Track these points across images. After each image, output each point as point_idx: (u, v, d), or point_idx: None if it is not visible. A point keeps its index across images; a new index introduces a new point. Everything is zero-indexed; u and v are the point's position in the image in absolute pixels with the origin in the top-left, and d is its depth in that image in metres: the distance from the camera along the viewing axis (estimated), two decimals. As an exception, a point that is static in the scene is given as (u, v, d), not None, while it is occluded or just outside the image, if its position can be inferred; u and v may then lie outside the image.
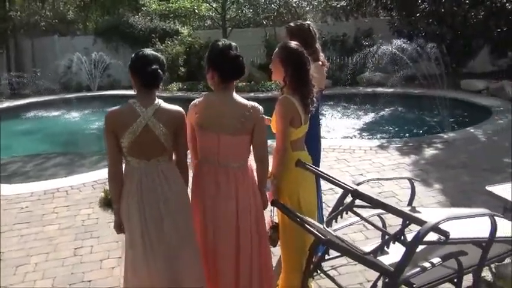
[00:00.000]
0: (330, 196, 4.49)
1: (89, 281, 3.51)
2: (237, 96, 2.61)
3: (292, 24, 3.55)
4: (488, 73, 12.41)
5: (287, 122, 2.77)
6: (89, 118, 10.95)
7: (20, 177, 6.77)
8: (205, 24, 17.64)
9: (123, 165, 2.55)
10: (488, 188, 3.58)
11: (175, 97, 12.28)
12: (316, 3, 15.40)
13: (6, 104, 12.35)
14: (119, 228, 2.58)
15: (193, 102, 2.67)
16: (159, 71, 2.43)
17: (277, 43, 3.48)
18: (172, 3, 15.98)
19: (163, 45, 14.30)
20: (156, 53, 2.52)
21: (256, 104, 2.61)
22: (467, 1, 11.53)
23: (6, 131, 9.07)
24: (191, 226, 2.61)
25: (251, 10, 14.35)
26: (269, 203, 2.83)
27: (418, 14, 12.02)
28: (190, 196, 2.73)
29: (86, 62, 14.48)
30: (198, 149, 2.69)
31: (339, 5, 15.62)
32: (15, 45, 16.26)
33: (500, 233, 2.56)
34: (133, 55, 2.51)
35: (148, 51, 2.51)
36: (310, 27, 3.47)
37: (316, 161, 3.77)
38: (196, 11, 15.47)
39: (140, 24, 15.67)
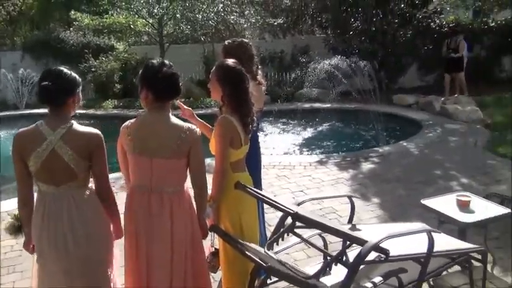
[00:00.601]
0: (272, 214, 4.42)
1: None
2: (172, 117, 2.48)
3: (228, 42, 3.48)
4: (417, 88, 13.10)
5: (226, 143, 2.67)
6: (15, 139, 10.20)
7: None
8: (142, 40, 17.29)
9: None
10: (423, 202, 3.69)
11: (111, 115, 11.86)
12: (253, 21, 15.57)
13: None
14: (29, 248, 2.40)
15: (125, 123, 2.52)
16: (49, 87, 2.22)
17: (215, 59, 3.42)
18: (107, 19, 15.52)
19: (98, 61, 13.81)
20: (63, 69, 2.32)
21: (192, 126, 2.50)
22: (396, 20, 12.13)
23: None
24: (104, 258, 2.42)
25: (189, 26, 14.22)
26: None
27: (351, 32, 12.48)
28: (122, 223, 2.55)
29: (12, 79, 13.64)
30: (130, 173, 2.53)
31: (276, 23, 15.89)
32: None
33: (437, 247, 2.61)
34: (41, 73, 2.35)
35: (58, 67, 2.33)
36: (247, 45, 3.42)
37: (257, 182, 3.71)
38: (132, 26, 15.12)
39: (72, 40, 15.07)
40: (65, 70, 2.33)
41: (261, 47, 14.15)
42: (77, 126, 2.31)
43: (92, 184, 2.43)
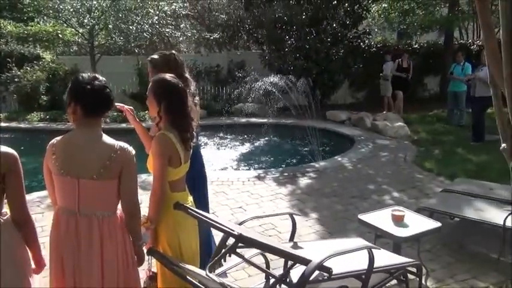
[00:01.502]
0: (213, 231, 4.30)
1: None
2: (103, 135, 2.31)
3: (155, 56, 3.36)
4: (348, 105, 13.64)
5: (164, 161, 2.54)
6: None
7: None
8: (71, 50, 16.55)
9: None
10: (360, 217, 3.77)
11: (36, 128, 11.13)
12: (189, 34, 15.47)
13: None
14: None
15: (51, 141, 2.31)
16: None
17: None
18: (32, 26, 14.68)
19: (21, 70, 12.95)
20: None
21: (125, 145, 2.31)
22: (329, 39, 12.58)
23: None
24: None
25: (122, 38, 13.81)
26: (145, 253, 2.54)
27: (286, 49, 12.74)
28: (48, 250, 2.33)
29: None
30: (56, 195, 2.32)
31: (212, 37, 15.89)
32: None
33: (376, 262, 2.65)
34: None
35: None
36: (176, 57, 3.33)
37: (205, 199, 3.62)
38: (61, 35, 14.41)
39: (-7, 47, 14.05)
40: None
41: (197, 61, 14.10)
42: None
43: (6, 209, 2.19)
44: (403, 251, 3.57)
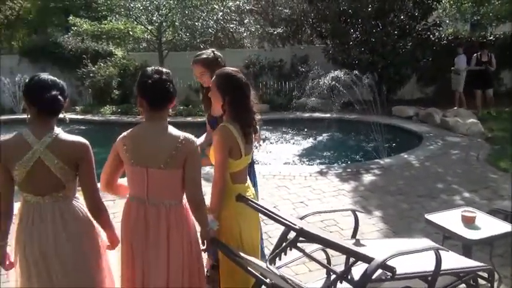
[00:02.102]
0: (271, 226, 4.32)
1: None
2: (169, 127, 2.40)
3: (203, 56, 3.37)
4: (416, 100, 13.09)
5: (225, 153, 2.58)
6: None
7: None
8: (141, 47, 17.25)
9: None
10: (427, 217, 3.60)
11: (108, 121, 11.78)
12: (253, 29, 15.56)
13: None
14: (4, 264, 2.29)
15: (123, 134, 2.43)
16: (58, 97, 2.19)
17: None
18: (105, 24, 15.47)
19: (96, 66, 13.74)
20: (55, 78, 2.27)
21: (189, 136, 2.39)
22: (396, 32, 12.14)
23: None
24: (90, 274, 2.32)
25: (188, 34, 14.19)
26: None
27: (351, 43, 12.46)
28: (119, 236, 2.45)
29: (9, 83, 13.55)
30: (128, 184, 2.46)
31: (275, 32, 15.89)
32: None
33: (444, 265, 2.53)
34: (27, 79, 2.27)
35: (46, 75, 2.26)
36: (216, 54, 3.36)
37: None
38: (131, 33, 15.07)
39: (70, 45, 14.97)
40: (57, 79, 2.27)
41: (260, 56, 14.16)
42: (63, 134, 2.23)
43: (79, 194, 2.34)
44: (473, 255, 3.37)
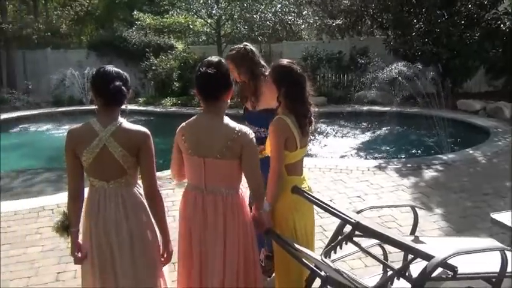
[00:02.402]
0: (327, 219, 4.29)
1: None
2: (226, 118, 2.44)
3: (231, 52, 3.38)
4: (483, 93, 12.39)
5: (281, 145, 2.59)
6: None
7: (5, 193, 6.50)
8: (200, 40, 17.62)
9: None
10: (493, 216, 3.42)
11: (169, 112, 12.17)
12: (311, 21, 15.40)
13: (-4, 117, 12.05)
14: (75, 254, 2.39)
15: (182, 124, 2.51)
16: (122, 88, 2.29)
17: (271, 60, 3.35)
18: (167, 19, 15.94)
19: (158, 59, 14.21)
20: (119, 70, 2.36)
21: (245, 128, 2.43)
22: (463, 21, 11.53)
23: (-7, 145, 8.82)
24: (148, 260, 2.40)
25: (246, 27, 14.31)
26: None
27: (413, 34, 12.00)
28: (178, 222, 2.54)
29: (78, 76, 14.33)
30: (186, 174, 2.54)
31: (334, 23, 15.62)
32: (7, 58, 16.10)
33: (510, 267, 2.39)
34: (94, 71, 2.39)
35: (111, 67, 2.36)
36: (251, 51, 3.34)
37: None
38: (191, 26, 15.43)
39: (134, 39, 15.59)
40: (121, 71, 2.37)
41: (318, 48, 14.00)
42: (126, 123, 2.34)
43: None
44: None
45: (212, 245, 2.43)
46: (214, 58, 2.48)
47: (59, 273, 3.74)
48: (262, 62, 3.41)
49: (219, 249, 2.41)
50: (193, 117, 2.51)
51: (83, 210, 2.40)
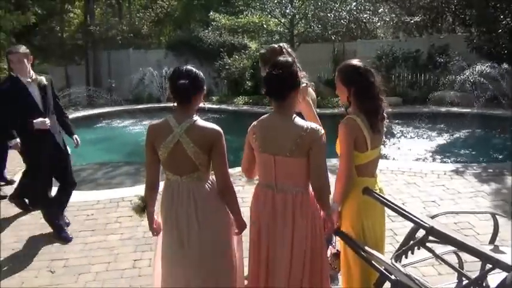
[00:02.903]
0: (398, 223, 4.16)
1: (146, 296, 3.47)
2: (296, 117, 2.45)
3: (263, 50, 3.35)
4: None
5: (350, 145, 2.56)
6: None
7: (88, 184, 6.99)
8: (274, 39, 17.72)
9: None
10: None
11: (241, 111, 12.40)
12: (387, 19, 14.93)
13: (82, 113, 12.92)
14: (153, 227, 2.63)
15: (253, 123, 2.55)
16: (187, 86, 2.36)
17: (345, 59, 3.30)
18: (241, 19, 16.23)
19: (231, 59, 14.52)
20: (191, 68, 2.45)
21: (315, 125, 2.42)
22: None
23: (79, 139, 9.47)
24: (219, 250, 2.52)
25: (319, 26, 14.19)
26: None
27: (499, 31, 11.23)
28: (249, 216, 2.62)
29: (157, 75, 15.03)
30: (257, 172, 2.59)
31: (412, 21, 15.02)
32: (94, 58, 17.27)
33: None
34: (171, 71, 2.54)
35: (184, 67, 2.47)
36: (283, 49, 3.23)
37: None
38: (265, 26, 15.59)
39: (210, 39, 16.04)
40: (195, 69, 2.47)
41: (394, 46, 13.54)
42: (200, 121, 2.43)
43: (213, 177, 2.54)
44: None
45: (280, 245, 2.45)
46: (282, 58, 2.51)
47: (135, 260, 3.96)
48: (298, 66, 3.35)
49: (287, 250, 2.44)
50: (265, 116, 2.55)
51: (162, 200, 2.55)
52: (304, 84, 2.79)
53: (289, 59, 2.50)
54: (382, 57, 13.26)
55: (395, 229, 4.14)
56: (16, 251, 4.20)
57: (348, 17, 13.81)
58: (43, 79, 4.24)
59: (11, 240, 4.40)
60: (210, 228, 2.47)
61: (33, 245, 4.29)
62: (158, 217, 2.66)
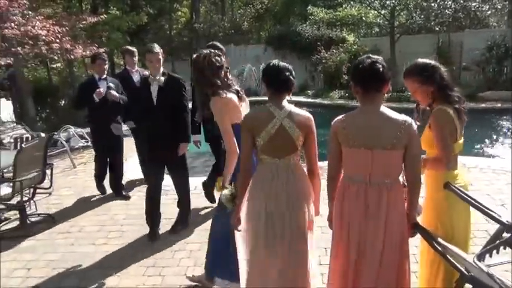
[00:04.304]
0: (491, 225, 3.93)
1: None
2: (386, 109, 2.45)
3: (196, 55, 3.25)
4: None
5: (446, 135, 2.55)
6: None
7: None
8: (373, 32, 17.25)
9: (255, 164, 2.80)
10: None
11: (336, 105, 12.31)
12: (500, 6, 13.71)
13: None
14: (235, 222, 2.84)
15: (337, 118, 2.55)
16: (290, 78, 2.66)
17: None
18: (340, 12, 16.02)
19: (328, 53, 14.44)
20: (284, 63, 2.73)
21: (408, 118, 2.42)
22: None
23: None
24: (304, 224, 2.71)
25: (422, 16, 13.50)
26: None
27: None
28: (334, 214, 2.65)
29: (255, 70, 15.46)
30: (344, 165, 2.56)
31: (529, 7, 13.66)
32: (198, 54, 18.25)
33: None
34: (265, 65, 2.77)
35: (276, 61, 2.75)
36: (213, 56, 3.15)
37: None
38: (364, 18, 15.25)
39: (308, 33, 16.06)
40: (286, 64, 2.74)
41: (507, 36, 12.43)
42: (294, 108, 2.68)
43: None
44: None
45: (372, 236, 2.45)
46: (369, 55, 2.51)
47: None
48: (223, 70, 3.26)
49: (379, 244, 2.44)
50: (354, 111, 2.55)
51: (251, 182, 2.77)
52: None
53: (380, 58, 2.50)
54: (493, 48, 12.25)
55: (490, 230, 3.93)
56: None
57: (453, 6, 12.95)
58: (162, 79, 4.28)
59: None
60: (301, 209, 2.69)
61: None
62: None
